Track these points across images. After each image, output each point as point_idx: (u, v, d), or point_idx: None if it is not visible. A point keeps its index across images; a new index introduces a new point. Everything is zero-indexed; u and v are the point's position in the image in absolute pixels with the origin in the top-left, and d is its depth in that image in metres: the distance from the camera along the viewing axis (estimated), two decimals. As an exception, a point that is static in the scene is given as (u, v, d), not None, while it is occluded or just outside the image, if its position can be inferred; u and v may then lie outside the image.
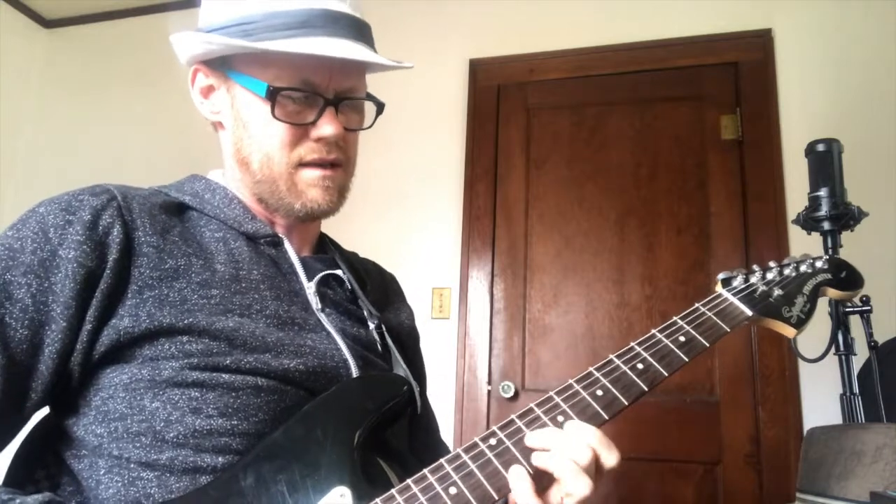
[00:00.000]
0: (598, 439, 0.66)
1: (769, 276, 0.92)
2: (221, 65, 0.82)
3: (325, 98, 0.80)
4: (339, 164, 0.84)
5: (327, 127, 0.80)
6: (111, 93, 3.16)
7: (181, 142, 2.85)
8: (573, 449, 0.65)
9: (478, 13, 2.72)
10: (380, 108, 0.87)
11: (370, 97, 0.87)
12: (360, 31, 0.82)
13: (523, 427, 0.69)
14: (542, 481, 0.70)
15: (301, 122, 0.80)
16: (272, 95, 0.78)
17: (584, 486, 0.63)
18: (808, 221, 1.56)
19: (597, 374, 0.74)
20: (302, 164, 0.81)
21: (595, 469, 0.65)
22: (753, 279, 0.91)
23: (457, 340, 2.45)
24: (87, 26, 3.32)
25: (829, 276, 0.94)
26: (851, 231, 1.56)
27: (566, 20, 2.61)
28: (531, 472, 0.65)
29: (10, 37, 3.17)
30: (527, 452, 0.67)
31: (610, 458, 0.66)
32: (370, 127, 0.89)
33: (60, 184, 0.83)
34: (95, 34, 3.31)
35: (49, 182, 3.02)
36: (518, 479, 0.64)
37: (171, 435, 0.67)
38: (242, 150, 0.83)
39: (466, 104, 2.66)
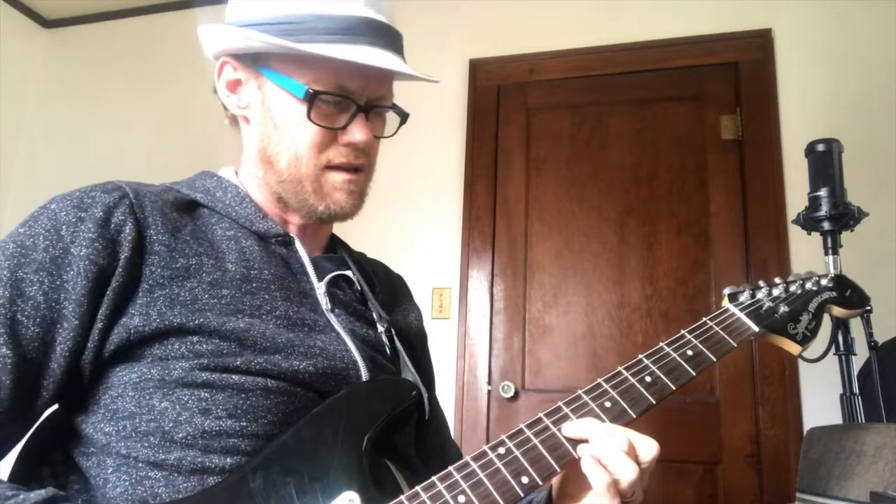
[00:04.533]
0: (631, 431, 0.69)
1: (775, 292, 0.93)
2: (254, 61, 0.82)
3: (357, 104, 0.81)
4: (363, 168, 0.85)
5: (358, 133, 0.81)
6: (111, 93, 3.16)
7: (181, 141, 2.86)
8: (613, 436, 0.68)
9: (478, 13, 2.72)
10: (404, 118, 0.88)
11: (396, 107, 0.88)
12: (396, 41, 0.83)
13: (532, 437, 0.69)
14: (567, 487, 0.72)
15: (333, 125, 0.81)
16: (311, 98, 0.78)
17: (631, 469, 0.66)
18: (808, 221, 1.56)
19: (605, 386, 0.75)
20: (329, 167, 0.82)
21: (636, 460, 0.68)
22: (760, 295, 0.92)
23: (457, 340, 2.45)
24: (87, 26, 3.32)
25: (833, 294, 0.96)
26: (851, 231, 1.56)
27: (566, 20, 2.61)
28: (557, 469, 0.67)
29: (10, 37, 3.17)
30: (537, 460, 0.67)
31: (648, 449, 0.69)
32: (393, 135, 0.90)
33: (60, 183, 0.83)
34: (95, 34, 3.30)
35: (49, 182, 3.02)
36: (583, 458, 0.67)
37: (180, 435, 0.67)
38: (270, 147, 0.83)
39: (466, 104, 2.66)
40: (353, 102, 0.81)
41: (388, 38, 0.81)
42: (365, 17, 0.79)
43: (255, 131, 0.84)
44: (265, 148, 0.83)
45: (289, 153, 0.81)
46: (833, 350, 1.49)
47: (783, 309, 0.90)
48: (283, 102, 0.81)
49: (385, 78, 0.84)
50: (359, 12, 0.79)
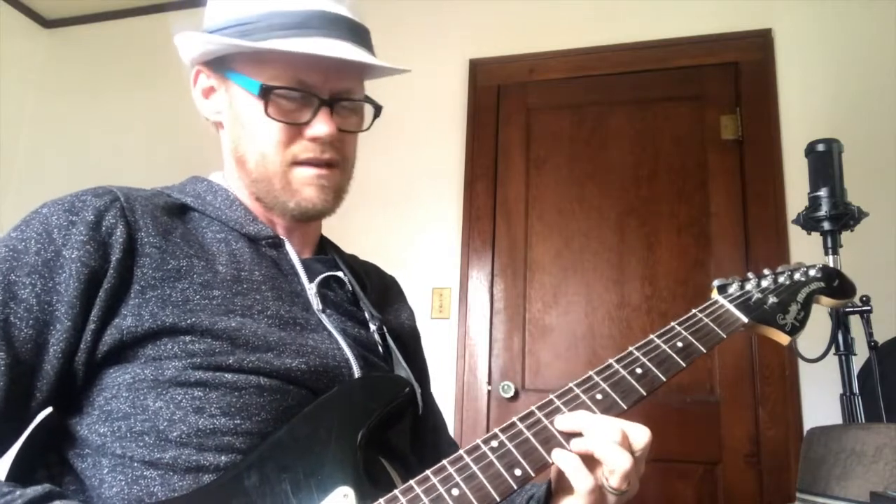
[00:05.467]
0: (623, 420, 0.69)
1: (764, 283, 0.94)
2: (221, 65, 0.83)
3: (319, 98, 0.81)
4: (335, 164, 0.84)
5: (321, 126, 0.81)
6: (111, 93, 3.16)
7: (181, 142, 2.85)
8: (605, 428, 0.68)
9: (478, 13, 2.72)
10: (377, 110, 0.88)
11: (367, 99, 0.87)
12: (357, 34, 0.82)
13: (524, 430, 0.70)
14: (565, 480, 0.71)
15: (295, 121, 0.81)
16: (265, 94, 0.79)
17: (625, 459, 0.66)
18: (808, 221, 1.56)
19: (596, 379, 0.75)
20: (296, 163, 0.82)
21: (629, 449, 0.68)
22: (749, 286, 0.93)
23: (457, 340, 2.44)
24: (87, 26, 3.32)
25: (821, 284, 0.97)
26: (851, 231, 1.56)
27: (566, 20, 2.61)
28: (550, 461, 0.68)
29: (10, 37, 3.18)
30: (529, 453, 0.68)
31: (640, 435, 0.69)
32: (367, 129, 0.89)
33: (60, 183, 0.83)
34: (95, 34, 3.31)
35: (49, 181, 3.02)
36: (566, 461, 0.67)
37: (175, 434, 0.67)
38: (239, 148, 0.84)
39: (466, 104, 2.66)
40: (315, 97, 0.81)
41: (349, 30, 0.81)
42: (320, 10, 0.79)
43: (228, 134, 0.86)
44: (236, 149, 0.84)
45: (255, 152, 0.82)
46: (833, 350, 1.49)
47: (772, 300, 0.91)
48: (246, 102, 0.81)
49: (348, 70, 0.83)
50: (314, 6, 0.79)
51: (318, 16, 0.79)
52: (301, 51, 0.76)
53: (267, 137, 0.81)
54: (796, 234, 1.94)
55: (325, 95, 0.81)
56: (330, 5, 0.80)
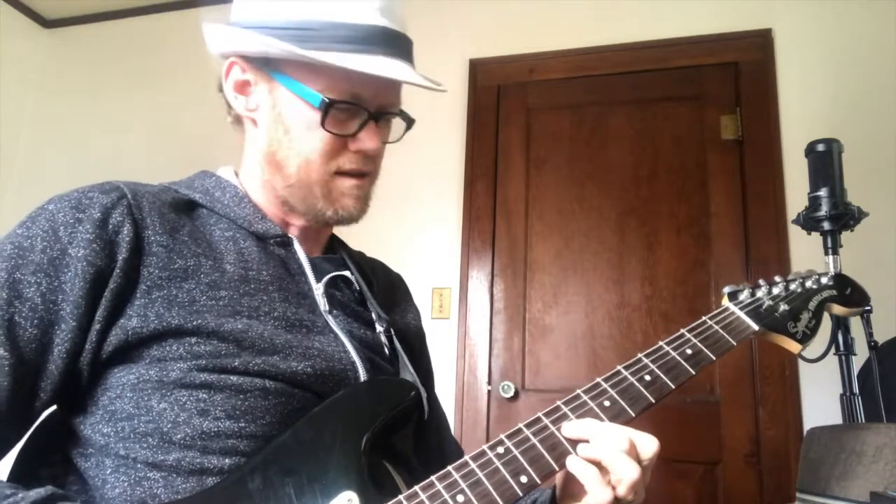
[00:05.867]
0: (631, 429, 0.69)
1: (775, 290, 0.93)
2: (265, 64, 0.82)
3: (368, 111, 0.81)
4: (370, 174, 0.86)
5: (369, 141, 0.82)
6: (111, 92, 3.16)
7: (181, 142, 2.86)
8: (613, 436, 0.67)
9: (478, 13, 2.72)
10: (410, 123, 0.89)
11: (402, 113, 0.88)
12: (408, 49, 0.83)
13: (531, 436, 0.69)
14: (570, 486, 0.72)
15: (344, 132, 0.81)
16: (327, 107, 0.78)
17: (633, 469, 0.66)
18: (808, 221, 1.56)
19: (605, 385, 0.75)
20: (338, 173, 0.83)
21: (637, 458, 0.68)
22: (759, 293, 0.92)
23: (457, 340, 2.44)
24: (87, 26, 3.32)
25: (834, 292, 0.96)
26: (851, 231, 1.56)
27: (566, 20, 2.61)
28: (556, 468, 0.68)
29: (10, 37, 3.17)
30: (536, 460, 0.68)
31: (648, 445, 0.69)
32: (398, 140, 0.90)
33: (60, 183, 0.82)
34: (95, 34, 3.31)
35: (49, 181, 3.02)
36: (585, 473, 0.67)
37: (179, 436, 0.67)
38: (279, 152, 0.82)
39: (466, 104, 2.66)
40: (364, 110, 0.81)
41: (402, 46, 0.82)
42: (381, 26, 0.79)
43: (263, 134, 0.84)
44: (274, 152, 0.83)
45: (299, 158, 0.81)
46: (833, 350, 1.49)
47: (783, 307, 0.90)
48: (296, 108, 0.80)
49: (395, 86, 0.84)
50: (375, 21, 0.79)
51: (381, 32, 0.79)
52: (377, 73, 0.76)
53: (314, 146, 0.80)
54: (796, 234, 1.94)
55: (372, 109, 0.82)
56: (388, 22, 0.80)
